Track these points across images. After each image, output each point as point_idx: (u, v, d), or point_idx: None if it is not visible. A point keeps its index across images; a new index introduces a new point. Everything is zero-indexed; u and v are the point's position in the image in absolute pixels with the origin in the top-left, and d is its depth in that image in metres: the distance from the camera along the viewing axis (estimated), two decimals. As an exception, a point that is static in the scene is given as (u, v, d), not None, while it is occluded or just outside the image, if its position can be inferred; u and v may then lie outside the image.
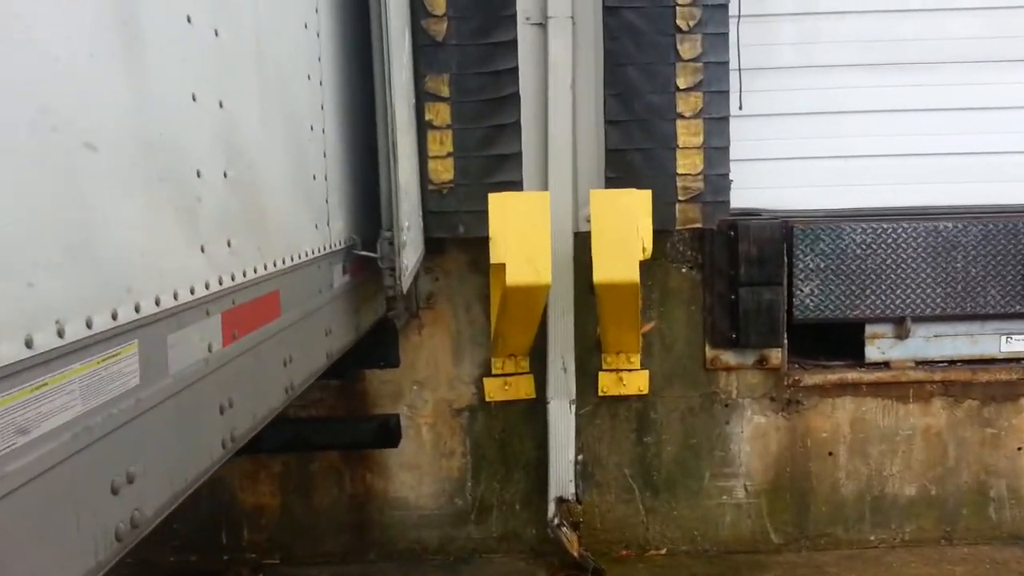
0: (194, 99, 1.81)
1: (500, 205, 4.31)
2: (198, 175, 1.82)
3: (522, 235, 4.28)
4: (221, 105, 1.98)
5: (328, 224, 2.95)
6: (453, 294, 5.15)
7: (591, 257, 4.96)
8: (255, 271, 2.15)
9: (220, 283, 1.91)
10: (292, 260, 2.48)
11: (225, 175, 1.99)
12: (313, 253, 2.72)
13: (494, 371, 5.15)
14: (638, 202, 4.33)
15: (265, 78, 2.31)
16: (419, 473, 5.21)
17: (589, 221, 5.17)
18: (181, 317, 1.68)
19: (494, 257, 4.34)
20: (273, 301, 2.29)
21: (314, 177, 2.79)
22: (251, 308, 2.09)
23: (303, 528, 5.30)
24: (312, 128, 2.79)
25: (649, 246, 4.36)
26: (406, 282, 3.19)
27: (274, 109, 2.39)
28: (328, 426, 4.80)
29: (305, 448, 4.81)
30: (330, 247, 2.98)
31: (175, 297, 1.65)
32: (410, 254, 3.49)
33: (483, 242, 4.78)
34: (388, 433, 4.78)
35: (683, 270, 5.16)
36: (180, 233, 1.70)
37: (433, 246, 4.99)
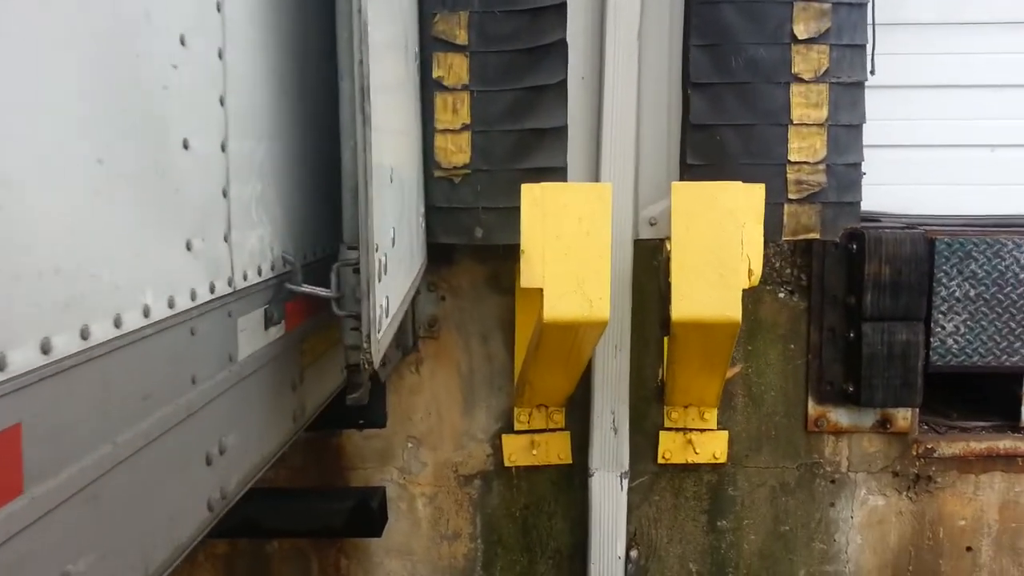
0: None
1: (538, 201, 2.81)
2: None
3: (569, 247, 2.79)
4: None
5: (227, 239, 1.48)
6: (464, 319, 3.67)
7: (660, 278, 3.48)
8: None
9: None
10: (86, 337, 1.01)
11: None
12: (172, 306, 1.25)
13: (517, 426, 3.66)
14: (745, 201, 2.82)
15: None
16: (411, 561, 3.74)
17: (653, 224, 3.69)
18: None
19: (526, 278, 2.86)
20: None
21: (186, 145, 1.31)
22: None
23: (258, 621, 3.85)
24: (185, 43, 1.31)
25: (758, 268, 2.87)
26: (382, 343, 1.71)
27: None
28: (286, 503, 3.32)
29: (253, 534, 3.35)
30: (232, 284, 1.50)
31: None
32: (394, 285, 2.01)
33: (508, 250, 3.31)
34: (368, 516, 3.31)
35: (780, 295, 3.65)
36: None
37: (438, 254, 3.50)
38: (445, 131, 3.26)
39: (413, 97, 3.00)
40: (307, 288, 1.72)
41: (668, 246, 3.25)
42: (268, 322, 1.67)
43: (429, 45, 3.25)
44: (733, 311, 2.80)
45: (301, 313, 1.85)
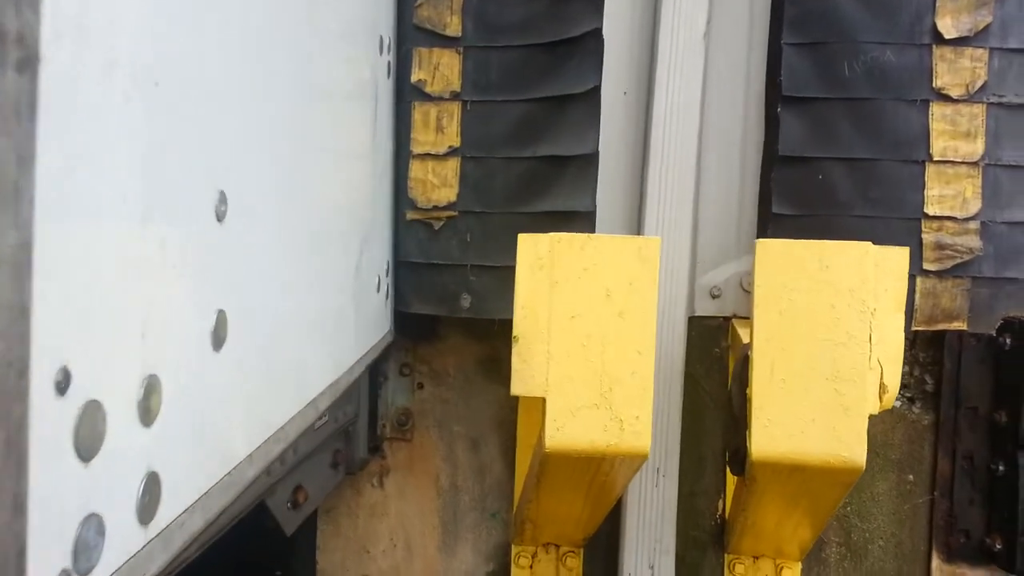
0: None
1: (542, 260, 1.75)
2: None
3: (591, 334, 1.72)
4: None
5: None
6: (448, 416, 2.59)
7: (730, 382, 2.36)
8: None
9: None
10: None
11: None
12: None
13: (516, 572, 2.54)
14: (878, 274, 1.72)
15: None
16: None
17: (716, 296, 2.59)
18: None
19: (520, 380, 1.76)
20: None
21: None
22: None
23: None
24: None
25: (894, 382, 1.74)
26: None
27: None
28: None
29: None
30: None
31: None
32: (206, 436, 0.94)
33: (510, 325, 2.22)
34: None
35: (896, 404, 2.51)
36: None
37: (415, 325, 2.45)
38: (424, 156, 2.23)
39: (372, 108, 1.98)
40: None
41: (739, 333, 2.15)
42: None
43: (409, 38, 2.23)
44: (854, 451, 1.67)
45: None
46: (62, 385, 0.64)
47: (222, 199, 0.95)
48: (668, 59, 2.31)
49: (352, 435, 2.24)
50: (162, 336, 0.81)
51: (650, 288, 1.73)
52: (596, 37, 2.16)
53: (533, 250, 1.74)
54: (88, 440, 0.68)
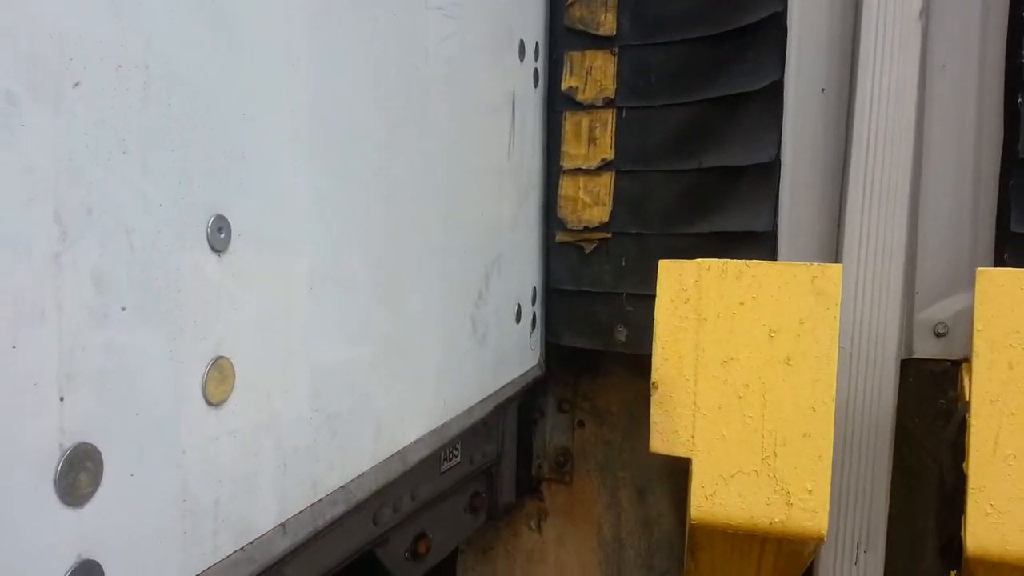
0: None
1: (687, 292, 1.48)
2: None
3: (750, 385, 1.42)
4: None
5: None
6: (611, 459, 2.34)
7: (946, 442, 1.88)
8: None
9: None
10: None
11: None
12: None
13: (685, 645, 2.24)
14: None
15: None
16: None
17: (941, 335, 2.12)
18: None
19: (660, 436, 1.51)
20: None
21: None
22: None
23: None
24: None
25: None
26: None
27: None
28: None
29: None
30: None
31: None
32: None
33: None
34: None
35: None
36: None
37: (574, 358, 2.24)
38: (575, 171, 2.02)
39: (507, 119, 1.81)
40: None
41: (966, 382, 1.70)
42: None
43: (561, 42, 2.04)
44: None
45: None
46: None
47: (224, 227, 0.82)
48: (874, 44, 1.91)
49: (495, 477, 2.07)
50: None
51: (828, 329, 1.38)
52: (776, 23, 1.83)
53: (677, 279, 1.46)
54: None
